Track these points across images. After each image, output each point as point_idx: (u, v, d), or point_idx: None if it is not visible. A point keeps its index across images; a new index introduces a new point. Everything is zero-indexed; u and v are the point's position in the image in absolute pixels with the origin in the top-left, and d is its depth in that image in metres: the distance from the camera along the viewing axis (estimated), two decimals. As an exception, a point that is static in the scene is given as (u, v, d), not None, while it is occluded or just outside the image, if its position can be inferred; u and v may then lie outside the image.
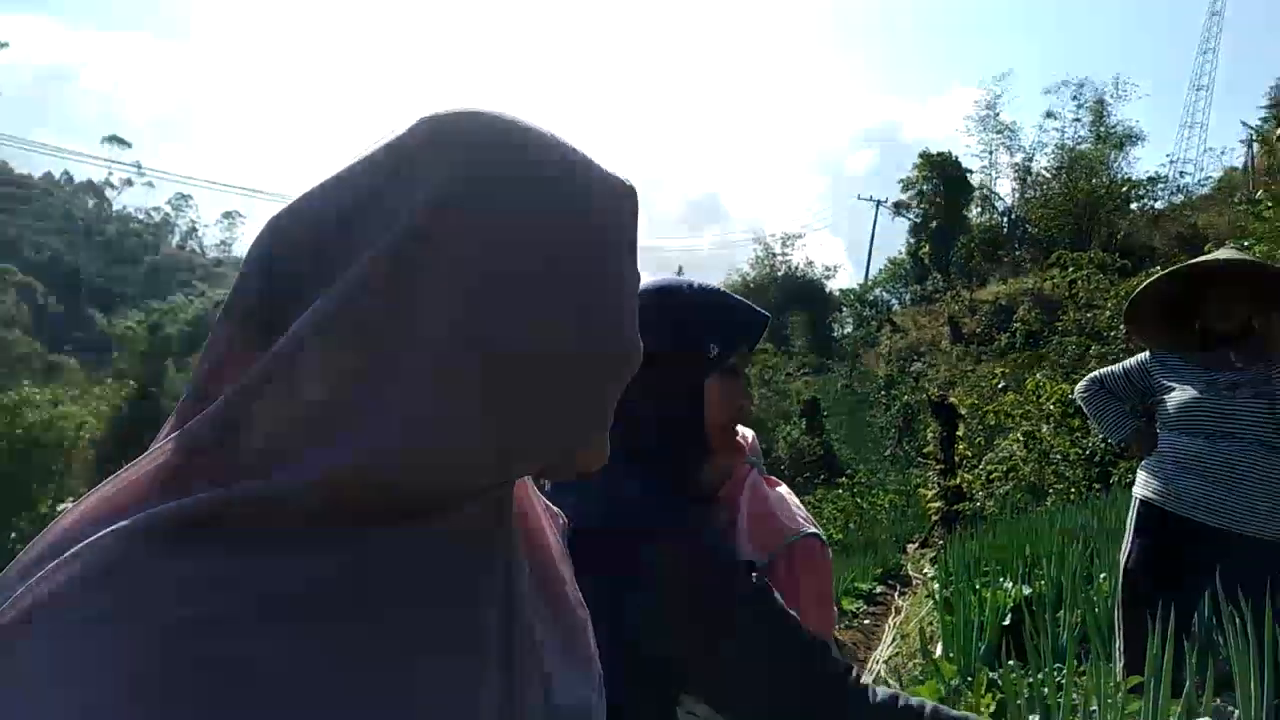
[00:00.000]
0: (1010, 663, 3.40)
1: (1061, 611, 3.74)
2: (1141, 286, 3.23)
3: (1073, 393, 4.02)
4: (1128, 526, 3.19)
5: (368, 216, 0.53)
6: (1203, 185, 35.13)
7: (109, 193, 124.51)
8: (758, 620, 1.13)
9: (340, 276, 0.52)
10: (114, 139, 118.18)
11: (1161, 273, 3.16)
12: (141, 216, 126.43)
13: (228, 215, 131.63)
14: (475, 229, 0.53)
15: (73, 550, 0.47)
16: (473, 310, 0.52)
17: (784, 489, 1.50)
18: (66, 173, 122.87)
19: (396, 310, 0.51)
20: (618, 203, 0.61)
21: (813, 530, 1.41)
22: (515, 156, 0.56)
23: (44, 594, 0.45)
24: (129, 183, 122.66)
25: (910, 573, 10.02)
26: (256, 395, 0.51)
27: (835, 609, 1.57)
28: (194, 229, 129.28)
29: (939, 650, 4.74)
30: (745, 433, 1.53)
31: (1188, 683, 2.23)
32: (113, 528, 0.47)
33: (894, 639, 6.42)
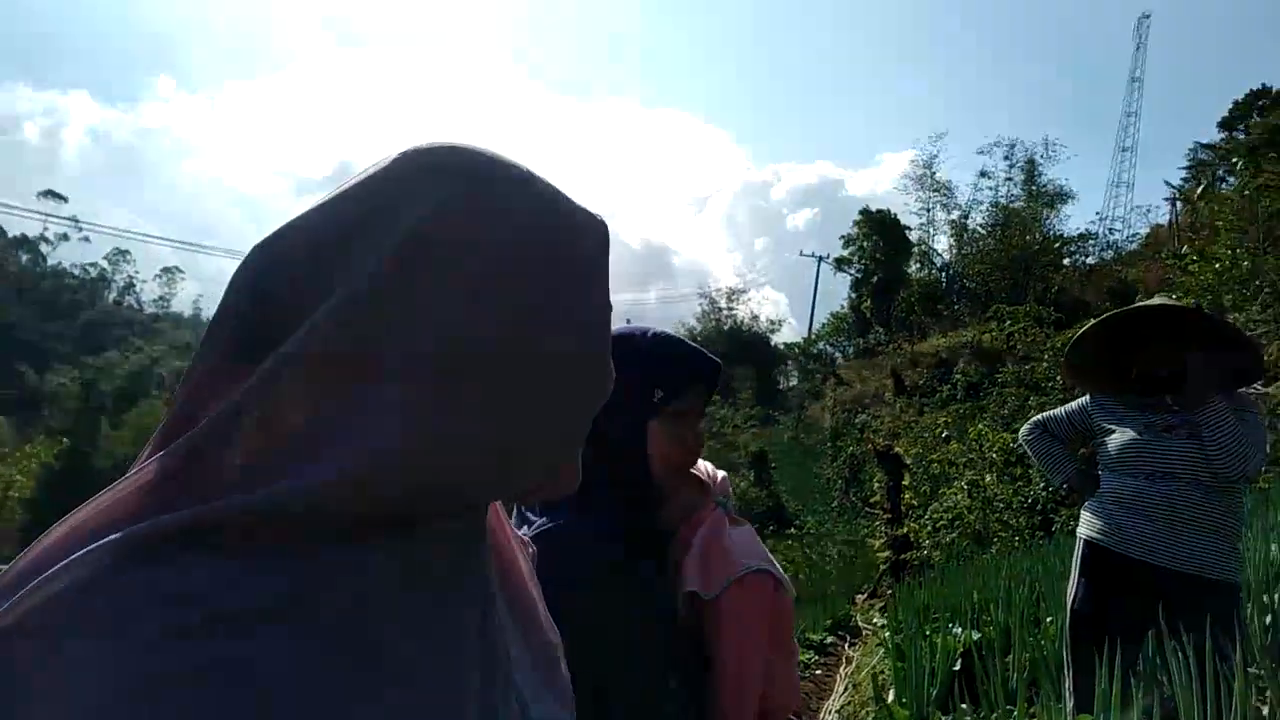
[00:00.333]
0: (963, 706, 3.44)
1: (1011, 655, 3.79)
2: (1079, 333, 3.33)
3: (1015, 439, 4.11)
4: (1073, 567, 3.24)
5: (355, 242, 0.55)
6: (1131, 241, 36.32)
7: (44, 247, 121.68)
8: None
9: (320, 305, 0.53)
10: (50, 193, 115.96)
11: (1097, 320, 3.26)
12: (77, 272, 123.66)
13: (167, 270, 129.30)
14: (460, 249, 0.54)
15: (61, 564, 0.47)
16: (453, 336, 0.54)
17: (748, 528, 1.51)
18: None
19: (377, 336, 0.53)
20: (593, 233, 0.63)
21: (765, 567, 1.40)
22: (497, 182, 0.58)
23: (33, 608, 0.45)
24: (65, 237, 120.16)
25: (860, 623, 10.02)
26: (244, 412, 0.52)
27: (790, 655, 1.54)
28: (131, 284, 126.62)
29: (891, 696, 4.76)
30: (716, 474, 1.56)
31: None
32: (100, 542, 0.48)
33: (846, 688, 6.41)
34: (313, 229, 0.57)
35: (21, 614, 0.45)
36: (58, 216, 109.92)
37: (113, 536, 0.48)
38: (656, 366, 1.37)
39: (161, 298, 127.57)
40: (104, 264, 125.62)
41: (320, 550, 0.53)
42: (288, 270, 0.56)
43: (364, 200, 0.56)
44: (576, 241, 0.61)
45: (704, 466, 1.55)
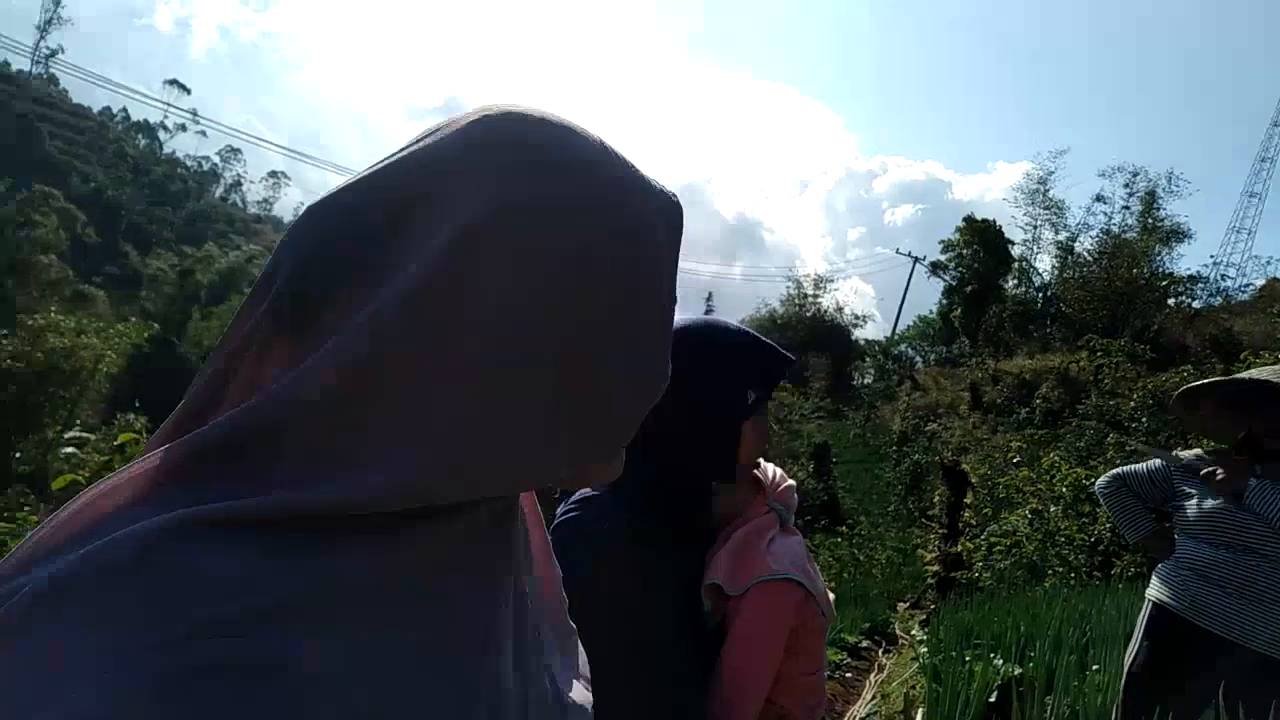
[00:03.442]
0: (996, 742, 3.38)
1: (1051, 697, 3.70)
2: (1204, 383, 3.22)
3: (1092, 485, 4.00)
4: (1138, 628, 3.15)
5: (415, 221, 0.52)
6: (1243, 291, 34.83)
7: (162, 135, 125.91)
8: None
9: (385, 282, 0.51)
10: (174, 83, 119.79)
11: (1230, 377, 3.12)
12: (190, 163, 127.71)
13: (274, 175, 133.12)
14: (526, 239, 0.52)
15: (109, 538, 0.45)
16: (518, 317, 0.52)
17: (797, 539, 1.50)
18: (124, 109, 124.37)
19: (444, 315, 0.50)
20: (666, 219, 0.61)
21: (796, 577, 1.39)
22: (568, 167, 0.54)
23: (71, 580, 0.43)
24: (183, 128, 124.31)
25: (898, 631, 9.94)
26: (294, 398, 0.50)
27: (815, 670, 1.53)
28: (239, 183, 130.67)
29: (920, 716, 4.71)
30: (782, 480, 1.55)
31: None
32: (135, 526, 0.46)
33: (874, 697, 6.37)
34: (367, 201, 0.54)
35: (58, 584, 0.43)
36: (178, 107, 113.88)
37: (145, 523, 0.46)
38: (750, 368, 1.39)
39: (265, 200, 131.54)
40: (216, 159, 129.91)
41: (361, 541, 0.51)
42: (335, 245, 0.53)
43: (424, 176, 0.53)
44: (645, 234, 0.58)
45: (769, 469, 1.55)
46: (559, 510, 1.33)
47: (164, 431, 0.55)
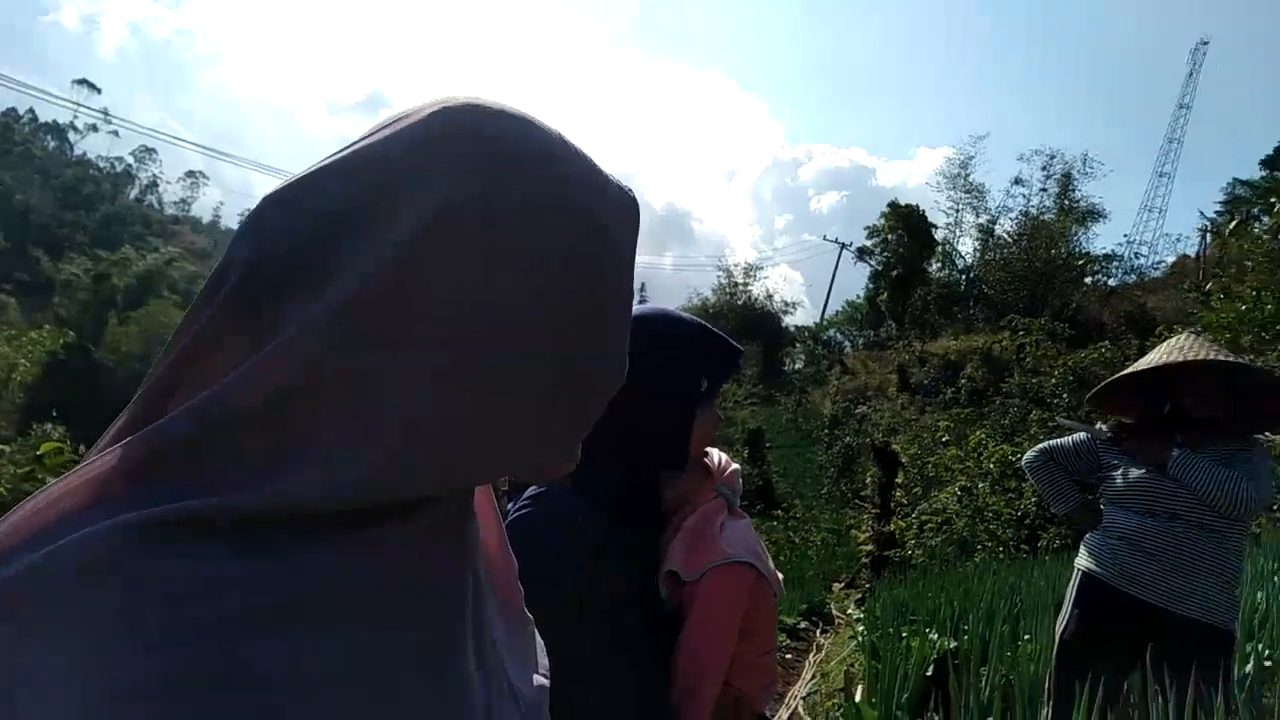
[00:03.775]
0: (935, 716, 3.45)
1: (986, 668, 3.79)
2: (1116, 377, 3.31)
3: (1019, 460, 4.09)
4: (1068, 597, 3.24)
5: (375, 213, 0.51)
6: (1156, 268, 36.13)
7: (72, 136, 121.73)
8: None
9: (337, 281, 0.50)
10: (84, 82, 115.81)
11: (1141, 365, 3.20)
12: (103, 164, 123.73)
13: (191, 174, 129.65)
14: (478, 237, 0.51)
15: (69, 539, 0.43)
16: (475, 315, 0.51)
17: (745, 522, 1.52)
18: (31, 110, 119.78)
19: (398, 313, 0.50)
20: (622, 214, 0.60)
21: (748, 559, 1.41)
22: (524, 161, 0.54)
23: (29, 584, 0.42)
24: (94, 128, 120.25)
25: (835, 612, 10.11)
26: (238, 402, 0.49)
27: (767, 650, 1.56)
28: (155, 184, 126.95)
29: (860, 694, 4.79)
30: (727, 465, 1.56)
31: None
32: (111, 521, 0.44)
33: (814, 676, 6.46)
34: (326, 191, 0.52)
35: (16, 590, 0.42)
36: (88, 107, 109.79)
37: (108, 522, 0.44)
38: (704, 357, 1.42)
39: (183, 200, 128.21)
40: (130, 160, 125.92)
41: (323, 542, 0.50)
42: (292, 236, 0.52)
43: (380, 171, 0.52)
44: (601, 230, 0.57)
45: (714, 455, 1.56)
46: (511, 505, 1.32)
47: (117, 430, 0.53)
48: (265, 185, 0.71)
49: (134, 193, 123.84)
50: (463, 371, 0.51)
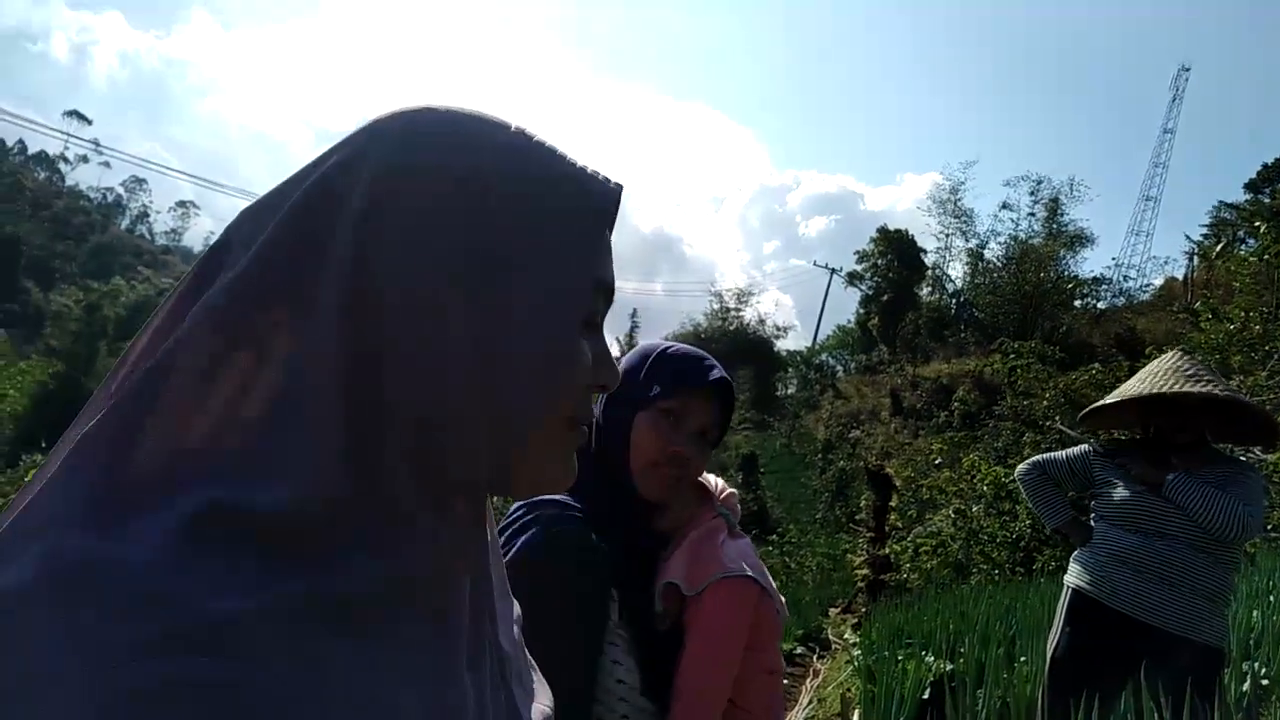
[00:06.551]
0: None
1: (983, 690, 3.78)
2: (1106, 401, 3.32)
3: (1012, 475, 4.10)
4: (1058, 614, 3.23)
5: (315, 207, 0.54)
6: (1144, 291, 36.22)
7: (63, 166, 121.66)
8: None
9: (309, 294, 0.52)
10: (75, 114, 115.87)
11: (1131, 394, 3.18)
12: (93, 195, 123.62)
13: (182, 204, 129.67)
14: (413, 218, 0.53)
15: (42, 549, 0.43)
16: (431, 275, 0.53)
17: (745, 541, 1.52)
18: (20, 141, 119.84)
19: (360, 326, 0.52)
20: (575, 194, 0.60)
21: (751, 574, 1.40)
22: (449, 144, 0.56)
23: (29, 584, 0.42)
24: (85, 159, 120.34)
25: (831, 637, 10.05)
26: (245, 405, 0.50)
27: (774, 669, 1.54)
28: (145, 214, 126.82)
29: (857, 717, 4.77)
30: (724, 489, 1.57)
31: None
32: (98, 531, 0.44)
33: (810, 701, 6.42)
34: (277, 197, 0.56)
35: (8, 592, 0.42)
36: (79, 138, 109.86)
37: (86, 536, 0.44)
38: (659, 364, 1.44)
39: (174, 230, 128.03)
40: (120, 190, 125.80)
41: (310, 556, 0.50)
42: (244, 240, 0.54)
43: (321, 163, 0.56)
44: (535, 205, 0.57)
45: (711, 479, 1.56)
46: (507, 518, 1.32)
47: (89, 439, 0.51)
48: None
49: (125, 223, 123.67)
50: (413, 361, 0.53)
